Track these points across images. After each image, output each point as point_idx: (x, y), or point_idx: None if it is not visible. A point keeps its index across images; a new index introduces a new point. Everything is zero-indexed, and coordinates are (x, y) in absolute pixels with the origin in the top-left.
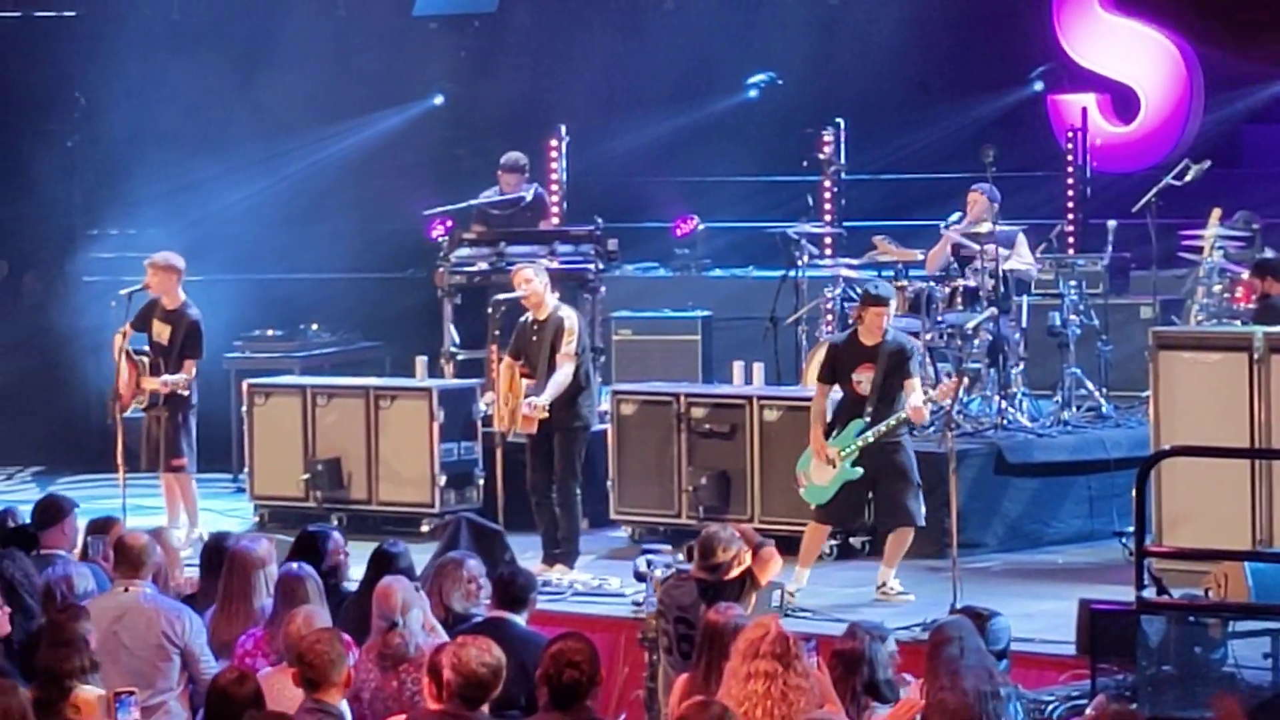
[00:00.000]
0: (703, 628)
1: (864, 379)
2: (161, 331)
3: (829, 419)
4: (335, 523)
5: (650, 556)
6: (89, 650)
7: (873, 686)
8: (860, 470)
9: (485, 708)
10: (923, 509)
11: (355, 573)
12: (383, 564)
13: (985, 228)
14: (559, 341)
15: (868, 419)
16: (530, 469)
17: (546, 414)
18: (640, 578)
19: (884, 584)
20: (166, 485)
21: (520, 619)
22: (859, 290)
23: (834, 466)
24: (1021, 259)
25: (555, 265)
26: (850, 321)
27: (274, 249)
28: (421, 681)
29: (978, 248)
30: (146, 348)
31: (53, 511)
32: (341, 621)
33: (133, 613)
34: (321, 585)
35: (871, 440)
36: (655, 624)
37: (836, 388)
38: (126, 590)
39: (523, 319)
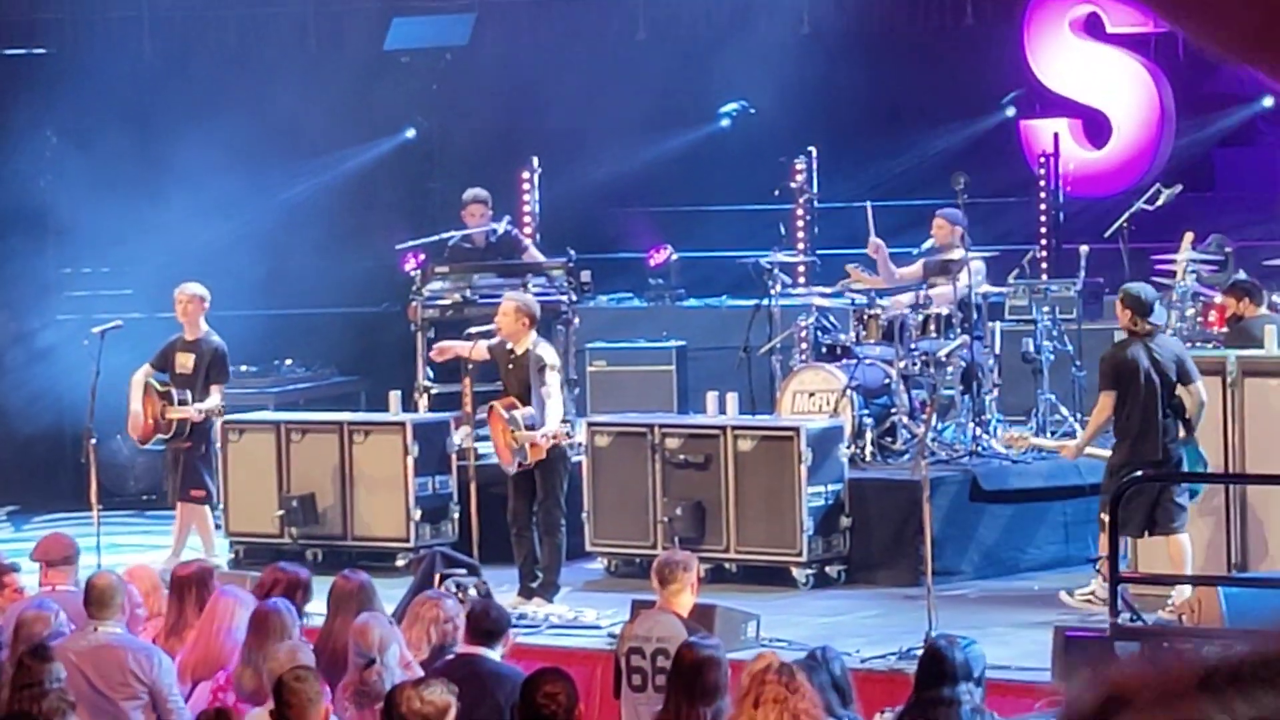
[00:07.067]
0: (676, 661)
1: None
2: (185, 362)
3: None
4: (310, 558)
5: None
6: (60, 690)
7: None
8: None
9: None
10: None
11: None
12: (343, 599)
13: (957, 254)
14: (542, 379)
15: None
16: (512, 498)
17: (568, 437)
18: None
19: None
20: (181, 517)
21: (494, 653)
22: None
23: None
24: (961, 281)
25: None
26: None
27: (247, 285)
28: None
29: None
30: (166, 377)
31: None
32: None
33: (102, 653)
34: (297, 619)
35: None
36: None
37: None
38: (96, 630)
39: (496, 342)
